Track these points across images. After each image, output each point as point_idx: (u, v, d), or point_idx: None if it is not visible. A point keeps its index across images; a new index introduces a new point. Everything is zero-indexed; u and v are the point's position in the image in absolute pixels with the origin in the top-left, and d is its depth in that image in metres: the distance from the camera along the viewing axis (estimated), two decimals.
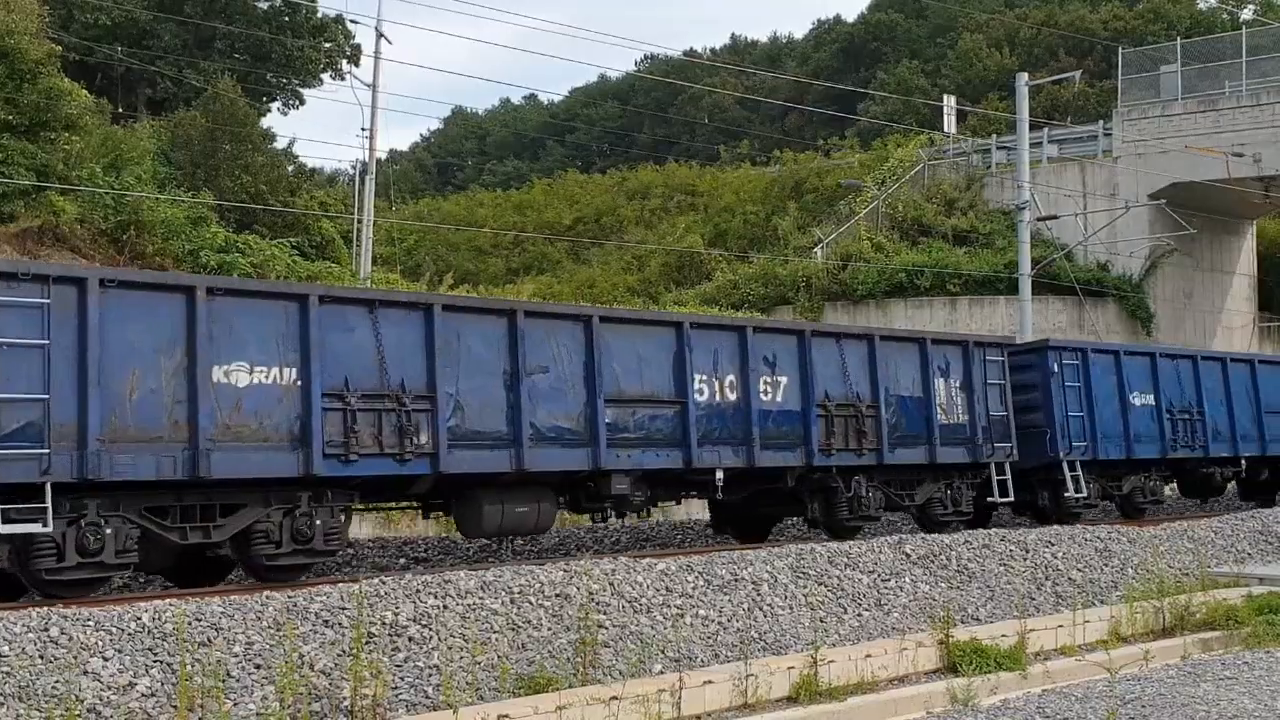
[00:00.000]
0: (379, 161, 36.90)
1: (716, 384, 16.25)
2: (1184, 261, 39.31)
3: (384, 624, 10.64)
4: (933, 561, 15.42)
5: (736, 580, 13.36)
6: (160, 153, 30.99)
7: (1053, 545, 17.09)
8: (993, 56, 65.08)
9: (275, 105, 44.43)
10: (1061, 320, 36.40)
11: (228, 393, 12.39)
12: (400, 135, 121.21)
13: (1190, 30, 54.71)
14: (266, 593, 11.04)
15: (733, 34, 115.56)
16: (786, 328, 18.11)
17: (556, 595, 11.89)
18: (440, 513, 15.80)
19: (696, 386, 15.94)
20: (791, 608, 13.27)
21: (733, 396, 16.44)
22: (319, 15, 41.90)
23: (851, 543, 15.74)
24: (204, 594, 11.81)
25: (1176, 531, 19.63)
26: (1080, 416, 20.80)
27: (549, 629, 11.43)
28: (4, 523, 11.06)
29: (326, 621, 10.44)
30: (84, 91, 28.81)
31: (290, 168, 36.54)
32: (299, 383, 12.83)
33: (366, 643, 10.16)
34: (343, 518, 13.74)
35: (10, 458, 11.07)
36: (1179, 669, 13.21)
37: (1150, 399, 22.22)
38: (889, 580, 14.59)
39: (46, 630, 9.44)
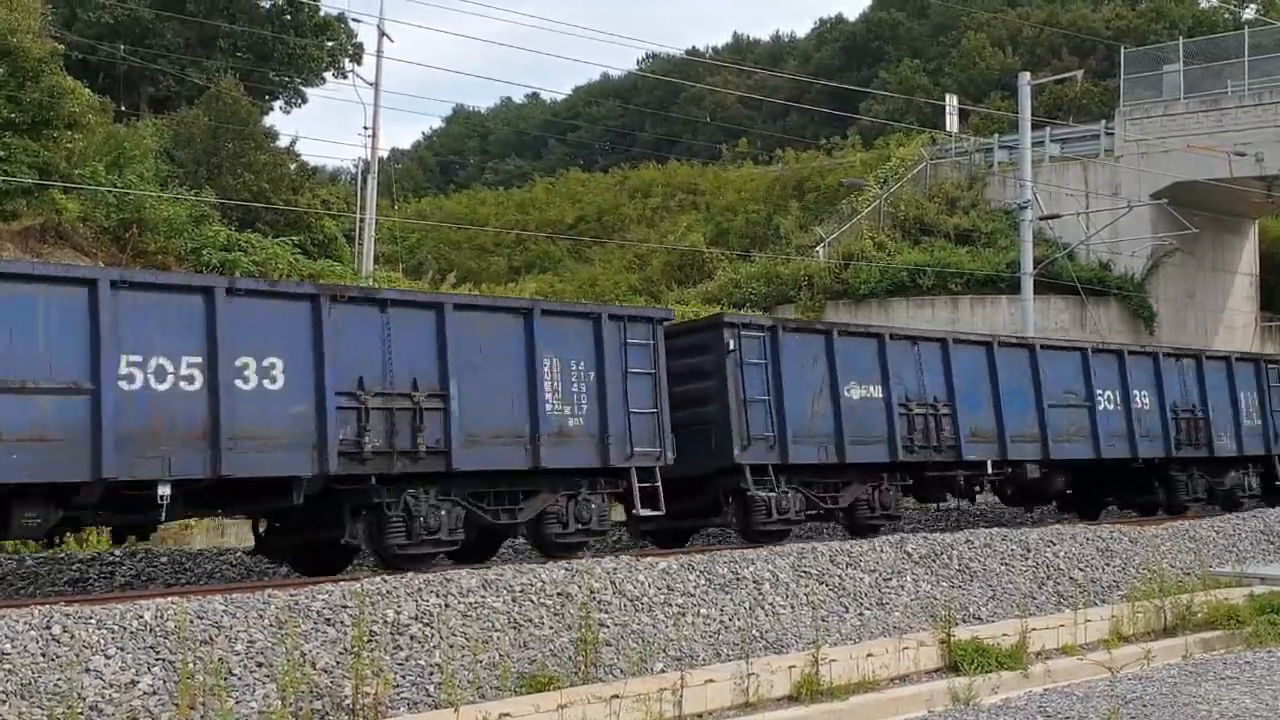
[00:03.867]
0: (381, 160, 36.99)
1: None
2: (1186, 261, 39.28)
3: (386, 622, 10.65)
4: (934, 561, 15.42)
5: (738, 579, 13.37)
6: (163, 151, 31.04)
7: (1054, 544, 17.09)
8: (995, 56, 65.07)
9: (277, 104, 44.56)
10: (1064, 319, 36.39)
11: None
12: (402, 133, 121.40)
13: (1192, 30, 54.69)
14: (269, 591, 11.05)
15: (735, 33, 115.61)
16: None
17: (558, 594, 11.90)
18: None
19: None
20: (793, 607, 13.28)
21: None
22: (321, 14, 42.03)
23: (853, 542, 15.73)
24: (206, 592, 11.79)
25: (1178, 531, 19.63)
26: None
27: (550, 627, 11.44)
28: None
29: (328, 620, 10.46)
30: (86, 90, 28.81)
31: (293, 166, 36.56)
32: None
33: (368, 641, 10.17)
34: None
35: None
36: (1180, 668, 13.22)
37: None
38: (890, 579, 14.59)
39: (49, 628, 9.45)
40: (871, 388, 17.82)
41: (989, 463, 19.20)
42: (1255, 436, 23.85)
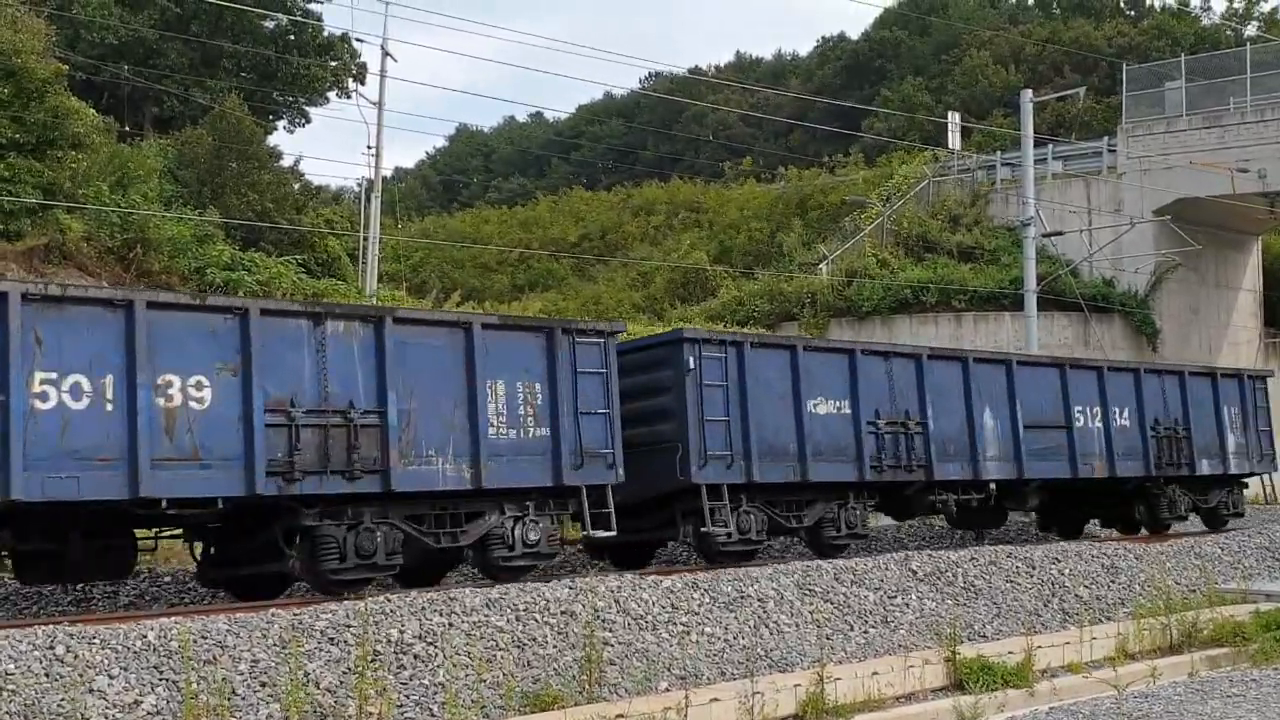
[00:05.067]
0: (384, 179, 37.03)
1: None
2: (1189, 277, 39.26)
3: (389, 642, 10.64)
4: (939, 578, 15.38)
5: (742, 597, 13.34)
6: (167, 171, 31.12)
7: (1059, 562, 17.05)
8: (997, 73, 65.17)
9: (281, 123, 44.69)
10: (1068, 336, 36.35)
11: None
12: (406, 153, 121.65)
13: (1195, 47, 54.75)
14: (273, 610, 11.04)
15: (737, 51, 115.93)
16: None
17: (562, 612, 11.88)
18: None
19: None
20: (798, 625, 13.25)
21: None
22: (325, 34, 42.18)
23: (858, 559, 15.71)
24: (209, 612, 11.79)
25: (1183, 548, 19.58)
26: None
27: (554, 646, 11.41)
28: None
29: (332, 639, 10.44)
30: (91, 110, 28.93)
31: (296, 185, 36.69)
32: None
33: (372, 660, 10.15)
34: None
35: None
36: (1186, 686, 13.18)
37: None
38: (895, 597, 14.56)
39: (52, 648, 9.44)
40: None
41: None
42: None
